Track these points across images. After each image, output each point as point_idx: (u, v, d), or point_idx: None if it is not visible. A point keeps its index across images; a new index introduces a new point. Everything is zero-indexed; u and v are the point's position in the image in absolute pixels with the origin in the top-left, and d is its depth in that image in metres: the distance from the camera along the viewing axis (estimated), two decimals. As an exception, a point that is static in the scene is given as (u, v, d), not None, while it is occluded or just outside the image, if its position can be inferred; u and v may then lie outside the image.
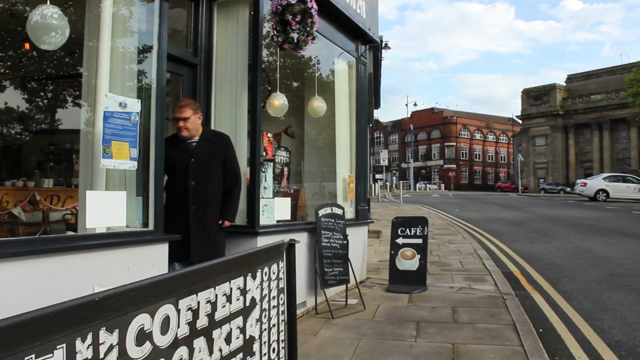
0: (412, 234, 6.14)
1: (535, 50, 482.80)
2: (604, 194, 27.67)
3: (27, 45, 4.92)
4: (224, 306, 1.86)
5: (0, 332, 0.90)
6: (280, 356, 2.40)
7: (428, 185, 65.18)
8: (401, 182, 45.11)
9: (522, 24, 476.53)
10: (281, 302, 2.44)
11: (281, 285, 2.44)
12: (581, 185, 29.52)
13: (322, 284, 4.89)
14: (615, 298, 5.68)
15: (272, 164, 4.63)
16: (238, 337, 1.96)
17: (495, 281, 6.30)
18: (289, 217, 4.93)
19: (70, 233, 3.59)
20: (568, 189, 43.55)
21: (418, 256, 6.02)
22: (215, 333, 1.79)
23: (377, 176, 55.12)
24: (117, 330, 1.25)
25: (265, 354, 2.22)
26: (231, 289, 1.91)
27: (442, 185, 65.57)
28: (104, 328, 1.20)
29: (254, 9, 4.46)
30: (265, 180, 4.46)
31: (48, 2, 2.82)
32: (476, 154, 76.86)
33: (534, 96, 57.25)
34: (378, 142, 78.33)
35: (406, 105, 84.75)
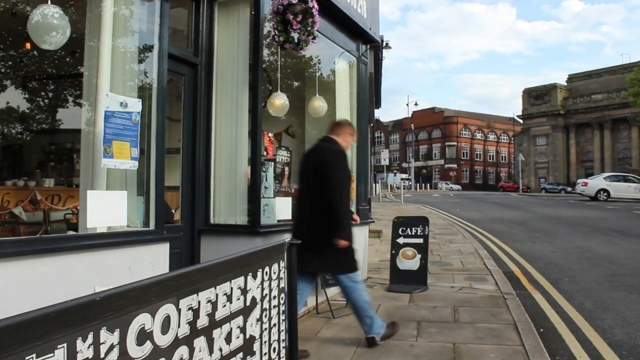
0: (413, 233, 6.14)
1: (537, 51, 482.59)
2: (605, 194, 27.62)
3: (28, 45, 4.93)
4: (225, 306, 1.86)
5: (1, 331, 0.90)
6: (281, 356, 2.40)
7: (451, 185, 64.57)
8: (402, 181, 45.04)
9: (523, 24, 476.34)
10: (282, 301, 2.44)
11: (282, 285, 2.43)
12: (582, 185, 29.46)
13: (323, 283, 4.89)
14: (616, 298, 5.67)
15: (273, 163, 4.63)
16: (238, 337, 1.96)
17: (496, 281, 6.30)
18: (290, 217, 4.92)
19: (71, 233, 3.60)
20: (569, 189, 43.47)
21: (419, 256, 6.02)
22: (216, 332, 1.79)
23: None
24: (118, 330, 1.25)
25: (265, 354, 2.22)
26: (232, 288, 1.91)
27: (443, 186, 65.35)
28: (105, 328, 1.20)
29: (255, 9, 4.47)
30: (266, 180, 4.47)
31: (49, 2, 2.82)
32: (477, 154, 76.76)
33: (534, 96, 57.17)
34: (379, 142, 78.23)
35: (407, 105, 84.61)
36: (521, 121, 60.48)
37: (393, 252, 6.18)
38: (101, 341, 1.19)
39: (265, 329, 2.24)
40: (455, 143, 74.18)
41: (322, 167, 3.61)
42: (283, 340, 2.43)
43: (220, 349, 1.82)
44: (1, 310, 1.21)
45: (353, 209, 6.31)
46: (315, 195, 3.64)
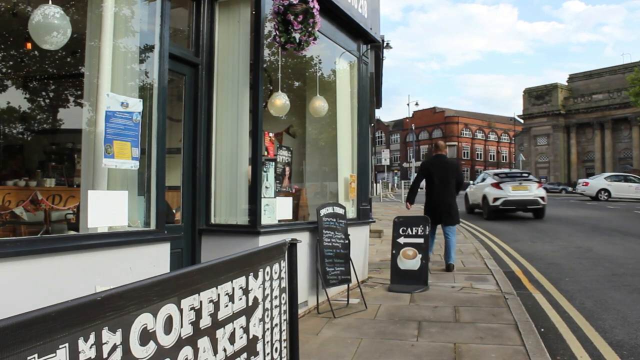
0: (414, 233, 6.14)
1: (538, 51, 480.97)
2: (606, 194, 27.55)
3: (29, 45, 4.93)
4: (227, 306, 1.86)
5: (2, 331, 0.90)
6: (283, 356, 2.40)
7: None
8: (403, 181, 45.00)
9: (525, 25, 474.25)
10: (283, 301, 2.44)
11: (283, 285, 2.44)
12: (583, 185, 29.39)
13: (324, 283, 4.90)
14: (617, 298, 5.67)
15: (273, 163, 4.63)
16: (242, 337, 1.96)
17: (497, 281, 6.30)
18: (290, 217, 4.93)
19: (72, 232, 3.60)
20: (570, 189, 43.43)
21: (419, 256, 6.02)
22: (219, 333, 1.79)
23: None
24: (120, 329, 1.25)
25: (268, 354, 2.22)
26: (233, 288, 1.91)
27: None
28: (107, 327, 1.20)
29: (256, 9, 4.47)
30: (267, 180, 4.47)
31: (50, 2, 2.82)
32: (478, 154, 76.72)
33: (535, 96, 57.13)
34: (380, 142, 78.22)
35: (407, 104, 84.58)
36: (522, 121, 60.43)
37: (394, 251, 6.18)
38: (103, 341, 1.19)
39: (268, 329, 2.24)
40: (456, 143, 74.12)
41: (458, 173, 7.23)
42: (284, 340, 2.43)
43: (225, 350, 1.82)
44: (2, 310, 1.22)
45: (354, 208, 6.33)
46: (452, 186, 6.95)
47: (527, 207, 16.13)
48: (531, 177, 17.29)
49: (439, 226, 7.17)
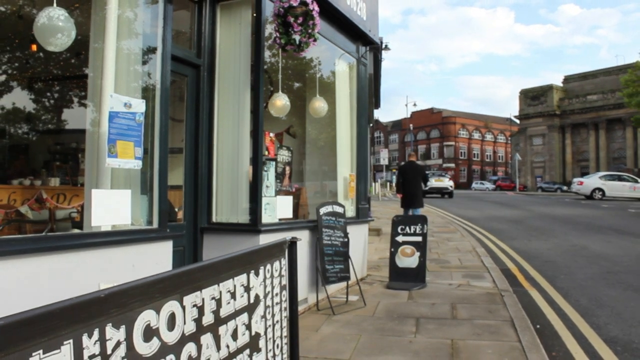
0: (412, 231, 6.21)
1: (534, 53, 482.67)
2: (600, 193, 27.70)
3: (34, 47, 4.94)
4: (229, 303, 1.89)
5: (7, 328, 0.91)
6: (283, 352, 2.45)
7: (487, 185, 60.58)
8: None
9: (522, 28, 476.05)
10: (283, 298, 2.48)
11: (283, 282, 2.48)
12: (578, 184, 29.54)
13: (323, 281, 4.96)
14: (612, 295, 5.75)
15: (274, 163, 4.68)
16: (244, 334, 2.00)
17: (494, 278, 6.37)
18: (290, 216, 4.98)
19: (76, 231, 3.64)
20: (565, 188, 43.59)
21: (417, 254, 6.08)
22: (222, 329, 1.82)
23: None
24: (124, 326, 1.25)
25: (270, 350, 2.27)
26: (235, 286, 1.94)
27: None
28: (110, 324, 1.20)
29: (257, 11, 4.52)
30: (268, 179, 4.52)
31: (54, 4, 2.86)
32: (474, 154, 76.87)
33: (531, 96, 57.25)
34: (378, 142, 78.28)
35: (406, 105, 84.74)
36: (518, 121, 60.55)
37: (392, 250, 6.24)
38: (107, 337, 1.18)
39: (269, 325, 2.28)
40: (453, 143, 74.27)
41: (424, 173, 9.85)
42: (285, 337, 2.48)
43: (228, 346, 1.85)
44: (8, 307, 1.24)
45: (353, 207, 6.40)
46: (419, 182, 9.58)
47: (443, 191, 29.89)
48: (446, 174, 33.85)
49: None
